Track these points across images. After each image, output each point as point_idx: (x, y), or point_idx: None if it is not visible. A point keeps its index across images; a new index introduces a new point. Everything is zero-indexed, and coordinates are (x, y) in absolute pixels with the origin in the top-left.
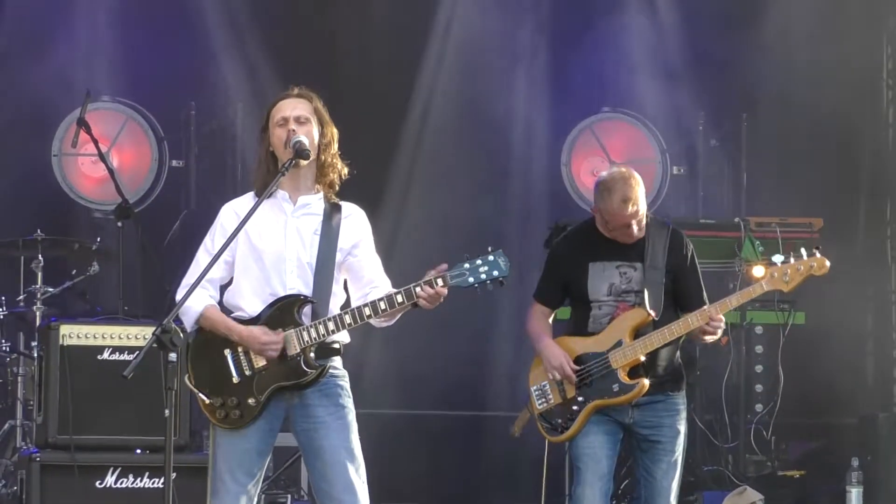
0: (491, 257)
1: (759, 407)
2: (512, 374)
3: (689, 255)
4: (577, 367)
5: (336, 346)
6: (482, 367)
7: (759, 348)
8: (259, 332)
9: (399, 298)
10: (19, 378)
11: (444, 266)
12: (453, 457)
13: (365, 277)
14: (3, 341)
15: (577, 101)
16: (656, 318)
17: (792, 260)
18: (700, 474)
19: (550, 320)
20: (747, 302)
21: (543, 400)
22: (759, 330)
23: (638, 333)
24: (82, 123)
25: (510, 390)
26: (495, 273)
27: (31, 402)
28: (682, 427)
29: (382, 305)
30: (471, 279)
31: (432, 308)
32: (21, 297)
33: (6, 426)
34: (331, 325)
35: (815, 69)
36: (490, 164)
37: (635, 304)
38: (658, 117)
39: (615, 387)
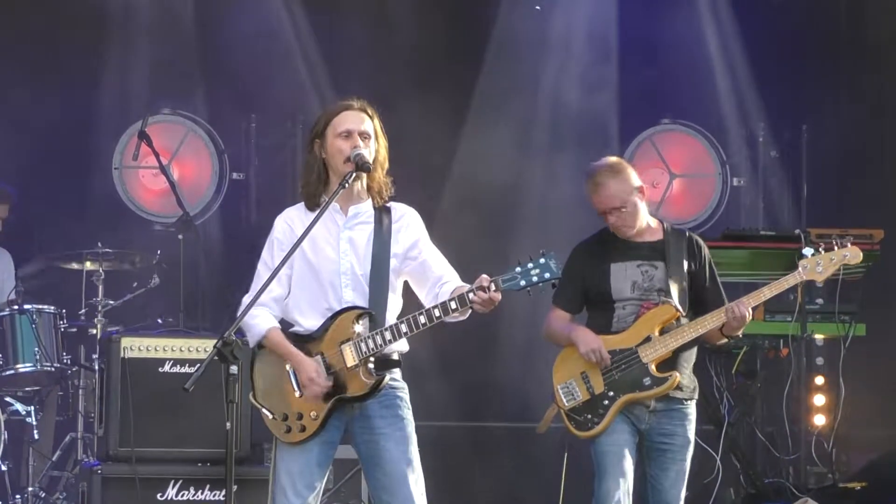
0: (542, 259)
1: (819, 418)
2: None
3: (707, 261)
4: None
5: (395, 357)
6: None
7: (819, 360)
8: (311, 367)
9: (453, 305)
10: (80, 391)
11: (485, 277)
12: (486, 468)
13: (432, 277)
14: (65, 354)
15: (637, 112)
16: (684, 315)
17: (823, 251)
18: (761, 486)
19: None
20: (808, 313)
21: (571, 397)
22: (819, 341)
23: (664, 330)
24: (143, 136)
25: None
26: (546, 275)
27: (93, 415)
28: (692, 436)
29: (437, 313)
30: (522, 282)
31: (486, 311)
32: (82, 311)
33: (67, 438)
34: (388, 335)
35: (873, 80)
36: (550, 168)
37: (660, 302)
38: (718, 128)
39: (646, 380)
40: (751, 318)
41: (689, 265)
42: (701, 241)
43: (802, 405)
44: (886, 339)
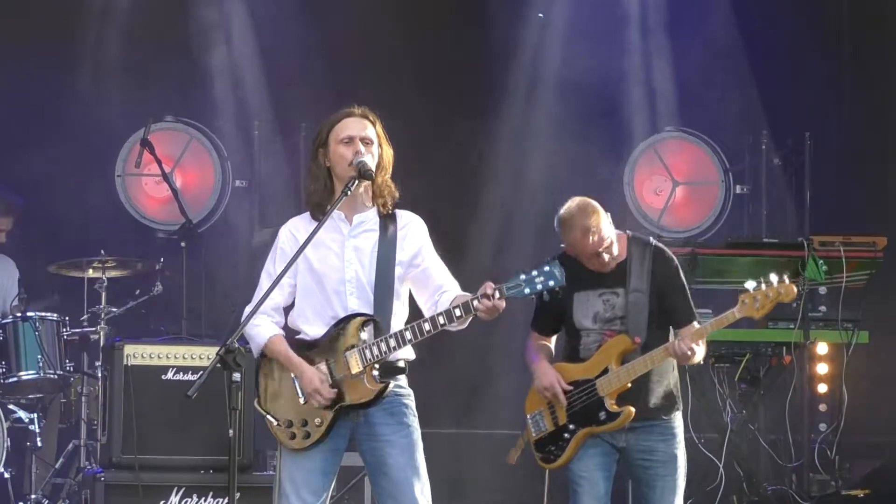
0: (546, 267)
1: (822, 426)
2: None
3: (673, 270)
4: (570, 389)
5: (400, 364)
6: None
7: (822, 367)
8: (315, 377)
9: (457, 312)
10: (83, 398)
11: (490, 284)
12: (491, 474)
13: (432, 284)
14: (67, 361)
15: (640, 120)
16: (640, 344)
17: (763, 286)
18: (764, 493)
19: (553, 345)
20: (811, 321)
21: (538, 428)
22: (822, 349)
23: (625, 359)
24: (146, 144)
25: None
26: (551, 283)
27: (95, 422)
28: (679, 451)
29: (441, 320)
30: (527, 290)
31: (490, 319)
32: (85, 318)
33: (70, 446)
34: (392, 342)
35: (876, 85)
36: (552, 175)
37: (621, 331)
38: (721, 135)
39: (602, 415)
40: (693, 354)
41: (654, 281)
42: (668, 252)
43: (805, 412)
44: (889, 346)
